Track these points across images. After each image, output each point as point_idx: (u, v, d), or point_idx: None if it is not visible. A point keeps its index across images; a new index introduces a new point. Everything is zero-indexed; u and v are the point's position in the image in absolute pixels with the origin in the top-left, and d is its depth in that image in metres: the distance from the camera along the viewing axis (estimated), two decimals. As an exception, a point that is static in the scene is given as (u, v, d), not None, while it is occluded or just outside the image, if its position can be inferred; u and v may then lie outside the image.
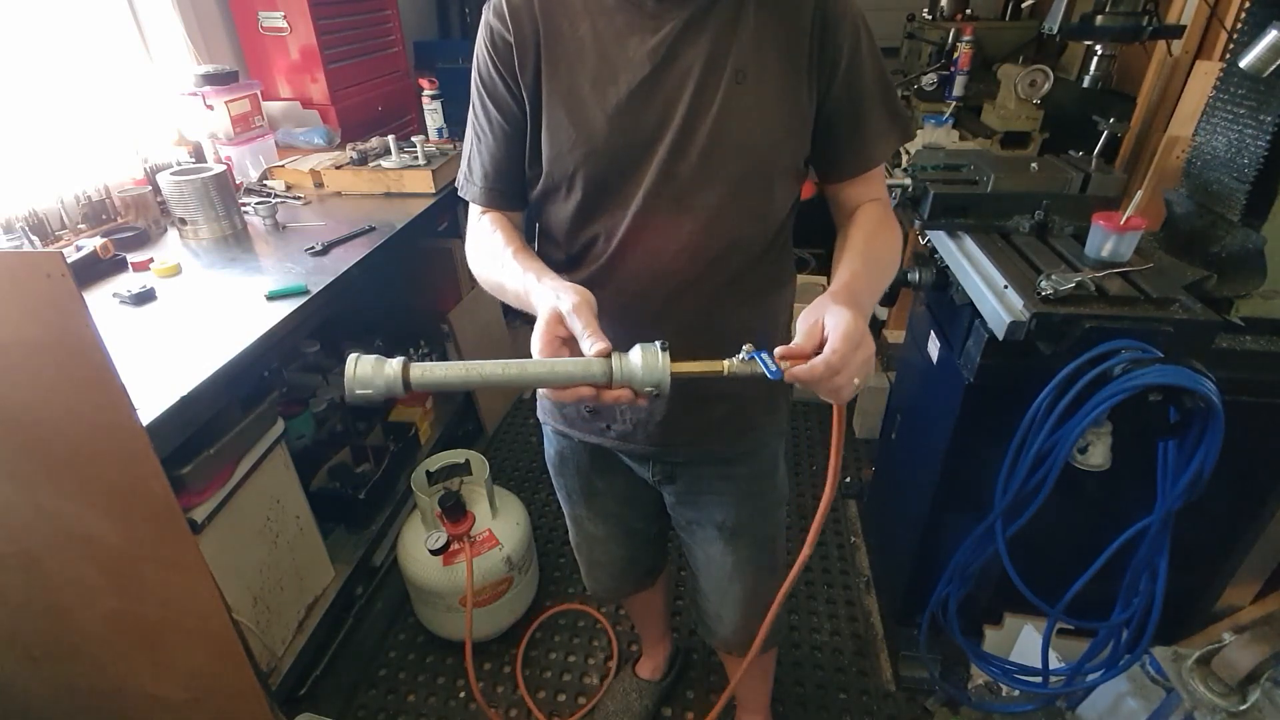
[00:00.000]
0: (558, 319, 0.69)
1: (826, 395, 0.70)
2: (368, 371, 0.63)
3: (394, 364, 0.64)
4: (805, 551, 0.91)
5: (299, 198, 1.96)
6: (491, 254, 0.87)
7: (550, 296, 0.71)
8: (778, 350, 0.68)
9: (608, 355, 0.65)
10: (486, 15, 0.85)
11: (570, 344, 0.69)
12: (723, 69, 0.79)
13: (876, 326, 2.57)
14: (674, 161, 0.81)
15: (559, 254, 0.93)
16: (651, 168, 0.82)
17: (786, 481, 1.15)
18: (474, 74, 0.88)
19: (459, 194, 0.96)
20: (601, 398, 0.65)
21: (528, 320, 0.84)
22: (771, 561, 1.17)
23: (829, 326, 0.68)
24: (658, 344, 0.65)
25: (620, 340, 0.72)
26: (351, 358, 0.64)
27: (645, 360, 0.64)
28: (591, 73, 0.81)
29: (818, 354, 0.67)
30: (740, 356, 0.67)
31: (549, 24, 0.82)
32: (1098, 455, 1.07)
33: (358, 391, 0.63)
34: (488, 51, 0.85)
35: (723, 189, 0.83)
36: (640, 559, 1.33)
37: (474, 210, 0.95)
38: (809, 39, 0.81)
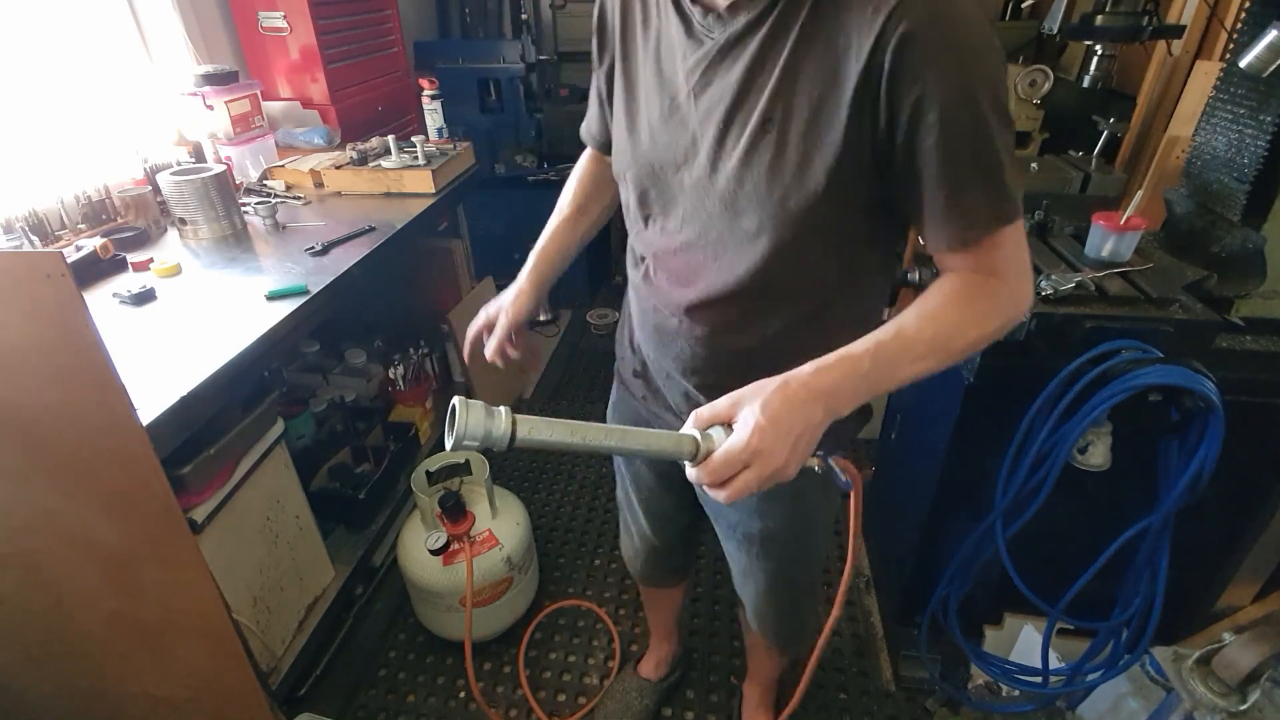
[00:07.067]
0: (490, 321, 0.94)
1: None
2: (479, 420, 0.57)
3: (503, 417, 0.58)
4: (833, 615, 0.89)
5: (299, 198, 1.95)
6: (556, 208, 1.05)
7: (505, 293, 0.92)
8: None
9: (695, 437, 0.67)
10: None
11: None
12: (750, 111, 0.73)
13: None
14: (700, 196, 0.80)
15: (630, 229, 0.95)
16: (684, 190, 0.82)
17: (821, 500, 1.06)
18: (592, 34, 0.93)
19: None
20: (688, 471, 0.69)
21: (530, 324, 0.84)
22: (792, 573, 1.14)
23: (737, 420, 0.66)
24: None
25: (648, 338, 0.84)
26: (459, 403, 0.57)
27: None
28: (648, 79, 0.83)
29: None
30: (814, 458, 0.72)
31: (627, 16, 0.86)
32: (1098, 455, 1.07)
33: (465, 443, 0.57)
34: (597, 20, 0.90)
35: (742, 238, 0.78)
36: (667, 555, 1.34)
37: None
38: (860, 87, 0.67)
